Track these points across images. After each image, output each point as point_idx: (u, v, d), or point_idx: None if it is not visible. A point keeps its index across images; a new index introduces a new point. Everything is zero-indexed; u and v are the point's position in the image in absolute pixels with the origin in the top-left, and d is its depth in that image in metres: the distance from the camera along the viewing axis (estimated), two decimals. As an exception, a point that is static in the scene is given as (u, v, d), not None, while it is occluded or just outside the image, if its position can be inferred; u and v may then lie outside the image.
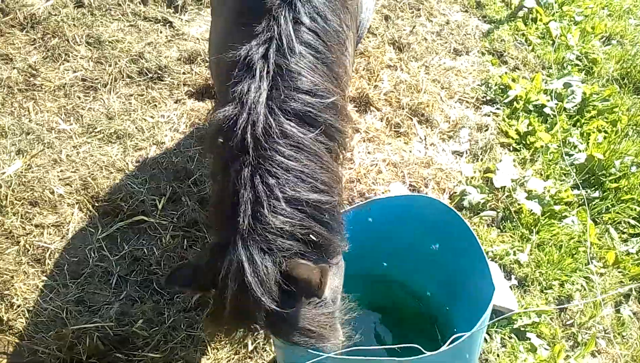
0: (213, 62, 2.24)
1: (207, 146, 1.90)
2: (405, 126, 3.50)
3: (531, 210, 3.08)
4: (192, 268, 1.67)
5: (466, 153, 3.45)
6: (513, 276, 2.87)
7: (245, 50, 1.77)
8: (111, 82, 3.50)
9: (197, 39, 3.87)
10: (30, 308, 2.56)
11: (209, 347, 2.49)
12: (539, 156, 3.44)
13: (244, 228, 1.60)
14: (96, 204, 2.93)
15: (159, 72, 3.58)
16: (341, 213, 1.87)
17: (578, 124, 3.67)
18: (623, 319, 2.78)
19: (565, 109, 3.72)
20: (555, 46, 4.18)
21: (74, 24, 3.80)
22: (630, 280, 2.91)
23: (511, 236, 3.04)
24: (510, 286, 2.81)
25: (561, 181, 3.33)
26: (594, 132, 3.58)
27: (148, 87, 3.52)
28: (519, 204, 3.12)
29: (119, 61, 3.61)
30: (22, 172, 2.99)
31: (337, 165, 1.89)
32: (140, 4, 4.02)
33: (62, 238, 2.81)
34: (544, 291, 2.84)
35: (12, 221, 2.80)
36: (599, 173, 3.32)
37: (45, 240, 2.79)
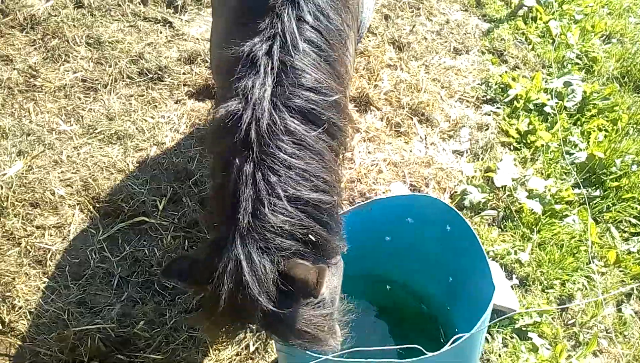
0: (214, 58, 2.23)
1: (208, 142, 1.89)
2: (405, 125, 3.50)
3: (532, 209, 3.08)
4: (189, 261, 1.66)
5: (467, 152, 3.44)
6: (514, 276, 2.87)
7: (249, 46, 1.76)
8: (111, 83, 3.50)
9: (197, 39, 3.87)
10: (32, 310, 2.57)
11: (210, 348, 2.50)
12: (539, 155, 3.44)
13: (244, 225, 1.58)
14: (97, 205, 2.93)
15: (159, 72, 3.58)
16: (340, 213, 1.87)
17: (578, 123, 3.66)
18: (625, 318, 2.77)
19: (565, 108, 3.71)
20: (555, 44, 4.18)
21: (73, 25, 3.80)
22: (631, 279, 2.91)
23: (512, 236, 3.04)
24: (512, 286, 2.81)
25: (562, 180, 3.32)
26: (594, 131, 3.57)
27: (148, 88, 3.52)
28: (519, 204, 3.11)
29: (119, 61, 3.61)
30: (22, 173, 2.99)
31: (337, 164, 1.89)
32: (140, 4, 4.02)
33: (63, 240, 2.81)
34: (545, 290, 2.84)
35: (13, 223, 2.81)
36: (600, 172, 3.32)
37: (47, 241, 2.79)
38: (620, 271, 2.95)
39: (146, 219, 2.88)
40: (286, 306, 1.58)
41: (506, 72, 3.96)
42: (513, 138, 3.54)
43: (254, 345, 2.50)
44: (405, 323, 2.59)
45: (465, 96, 3.78)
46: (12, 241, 2.77)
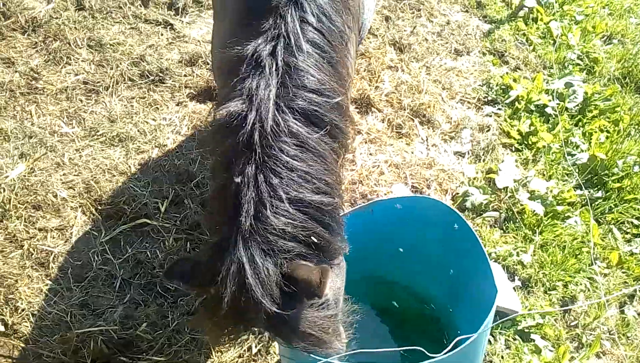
0: (216, 60, 2.23)
1: (210, 142, 1.88)
2: (406, 127, 3.50)
3: (534, 211, 3.07)
4: (192, 263, 1.65)
5: (468, 153, 3.44)
6: (516, 277, 2.87)
7: (253, 46, 1.75)
8: (113, 85, 3.51)
9: (198, 41, 3.87)
10: (35, 312, 2.57)
11: (213, 350, 2.50)
12: (541, 157, 3.44)
13: (246, 228, 1.58)
14: (99, 207, 2.93)
15: (161, 74, 3.58)
16: (341, 215, 1.87)
17: (580, 124, 3.66)
18: (628, 320, 2.77)
19: (567, 109, 3.71)
20: (556, 45, 4.18)
21: (75, 27, 3.80)
22: (634, 281, 2.91)
23: (514, 237, 3.03)
24: (514, 288, 2.80)
25: (564, 181, 3.32)
26: (596, 132, 3.57)
27: (150, 90, 3.53)
28: (521, 205, 3.11)
29: (120, 63, 3.62)
30: (25, 176, 2.99)
31: (339, 166, 1.89)
32: (141, 6, 4.02)
33: (65, 242, 2.81)
34: (548, 292, 2.83)
35: (15, 225, 2.81)
36: (602, 173, 3.32)
37: (49, 243, 2.79)
38: (623, 272, 2.95)
39: (148, 221, 2.88)
40: (290, 308, 1.57)
41: (507, 73, 3.96)
42: (514, 139, 3.54)
43: (256, 347, 2.50)
44: (407, 325, 2.59)
45: (467, 97, 3.78)
46: (14, 244, 2.77)
